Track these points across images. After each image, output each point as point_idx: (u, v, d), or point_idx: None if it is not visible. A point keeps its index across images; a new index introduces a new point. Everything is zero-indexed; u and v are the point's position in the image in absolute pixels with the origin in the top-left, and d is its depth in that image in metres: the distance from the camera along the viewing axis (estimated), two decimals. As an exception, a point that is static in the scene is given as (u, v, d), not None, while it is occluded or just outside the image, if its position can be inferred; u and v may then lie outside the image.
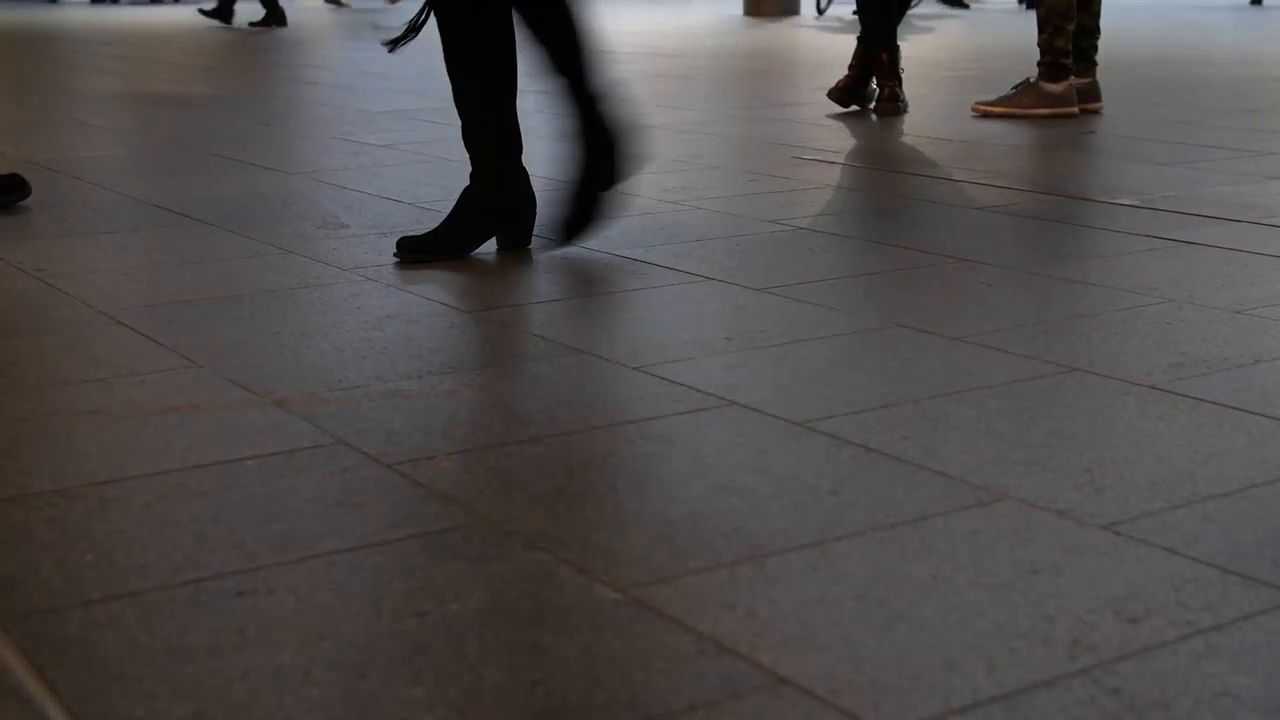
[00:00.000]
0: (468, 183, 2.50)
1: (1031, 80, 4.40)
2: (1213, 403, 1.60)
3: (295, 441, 1.50)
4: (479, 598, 1.13)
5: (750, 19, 11.25)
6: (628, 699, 0.97)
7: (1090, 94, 4.49)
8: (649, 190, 3.09)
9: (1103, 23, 4.67)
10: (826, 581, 1.16)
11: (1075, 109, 4.36)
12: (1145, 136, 3.92)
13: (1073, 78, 4.38)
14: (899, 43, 4.63)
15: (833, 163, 3.48)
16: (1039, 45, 4.35)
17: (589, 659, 1.03)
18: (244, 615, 1.11)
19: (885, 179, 3.22)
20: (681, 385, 1.69)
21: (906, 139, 3.93)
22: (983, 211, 2.80)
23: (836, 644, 1.05)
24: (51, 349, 1.87)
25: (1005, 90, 4.57)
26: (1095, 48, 4.51)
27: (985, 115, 4.41)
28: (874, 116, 4.46)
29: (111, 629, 1.09)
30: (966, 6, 12.39)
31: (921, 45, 7.61)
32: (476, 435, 1.52)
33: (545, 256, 2.40)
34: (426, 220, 2.75)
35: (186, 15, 12.01)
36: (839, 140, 3.90)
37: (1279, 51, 7.02)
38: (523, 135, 2.48)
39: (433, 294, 2.15)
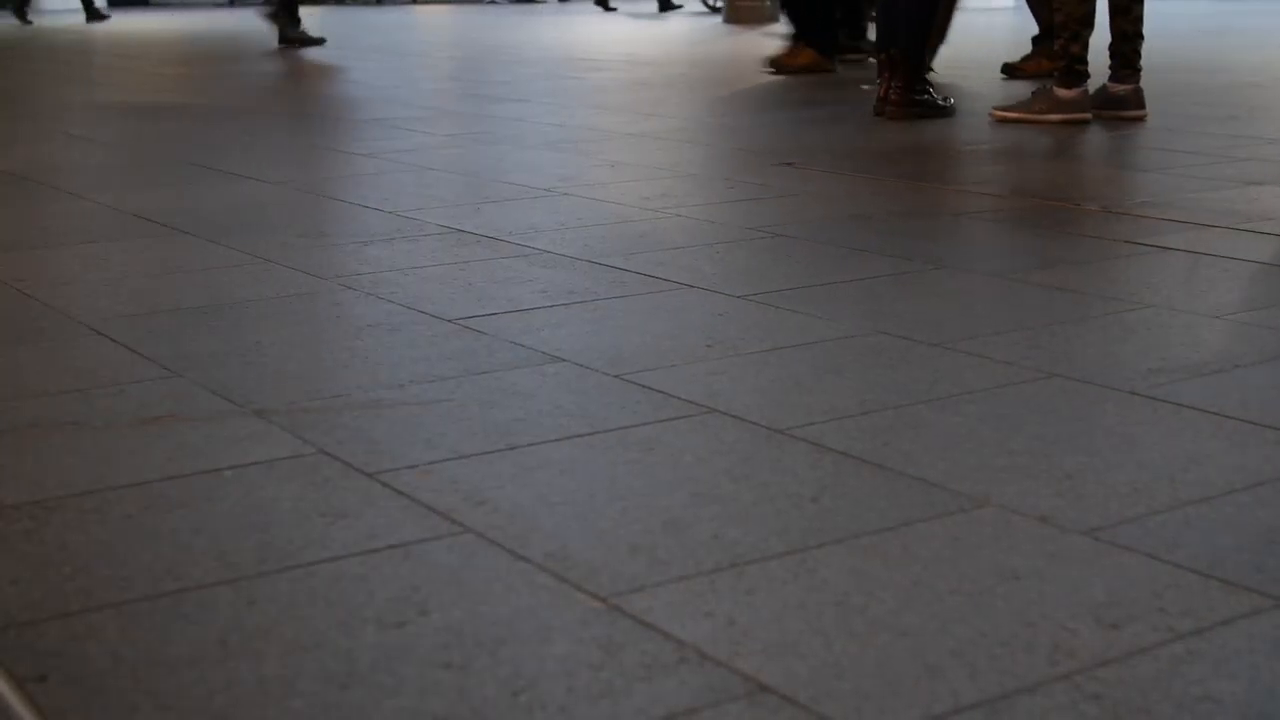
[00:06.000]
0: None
1: (1047, 86, 4.37)
2: (1193, 408, 1.61)
3: (276, 451, 1.50)
4: (461, 608, 1.13)
5: (730, 26, 11.27)
6: (609, 708, 0.97)
7: (1131, 101, 4.44)
8: (628, 198, 3.09)
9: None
10: (807, 588, 1.16)
11: (1088, 115, 4.30)
12: (1124, 143, 3.94)
13: (1094, 84, 4.36)
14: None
15: (812, 169, 3.49)
16: (1055, 51, 4.32)
17: (570, 668, 1.03)
18: (226, 626, 1.11)
19: (866, 185, 3.23)
20: (661, 393, 1.69)
21: (886, 145, 3.94)
22: (962, 217, 2.80)
23: (817, 651, 1.05)
24: (30, 360, 1.87)
25: (1026, 95, 4.53)
26: (1138, 54, 4.41)
27: (1003, 121, 4.39)
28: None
29: (92, 641, 1.08)
30: (614, 9, 12.59)
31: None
32: (457, 444, 1.52)
33: (522, 261, 2.40)
34: (408, 230, 2.75)
35: (170, 23, 11.99)
36: (818, 147, 3.91)
37: (1256, 59, 7.06)
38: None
39: (414, 303, 2.15)
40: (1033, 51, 6.04)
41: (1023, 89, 5.27)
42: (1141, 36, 4.40)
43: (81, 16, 13.55)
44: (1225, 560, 1.20)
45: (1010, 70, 6.04)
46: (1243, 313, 2.02)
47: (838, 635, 1.07)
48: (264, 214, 2.94)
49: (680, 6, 14.33)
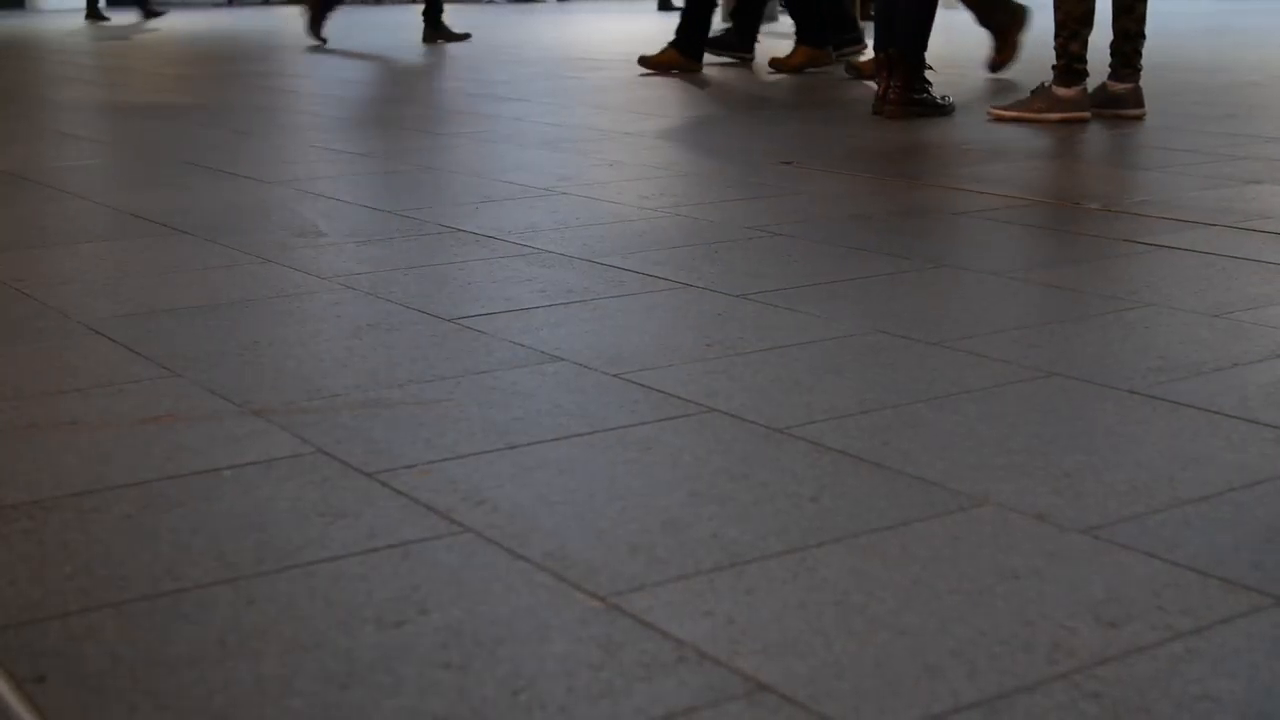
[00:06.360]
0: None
1: (1046, 85, 4.37)
2: (1192, 407, 1.61)
3: (275, 451, 1.50)
4: (460, 607, 1.13)
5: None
6: (608, 707, 0.97)
7: (1130, 100, 4.43)
8: (627, 197, 3.09)
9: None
10: (806, 588, 1.16)
11: (1088, 114, 4.31)
12: (1123, 142, 3.94)
13: (1104, 82, 4.35)
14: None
15: (811, 169, 3.49)
16: (1055, 49, 4.32)
17: (569, 668, 1.03)
18: (224, 626, 1.11)
19: (865, 184, 3.23)
20: (660, 392, 1.69)
21: (885, 144, 3.94)
22: (961, 217, 2.80)
23: (817, 650, 1.05)
24: (28, 359, 1.87)
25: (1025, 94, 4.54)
26: (1139, 53, 4.40)
27: (999, 120, 4.39)
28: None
29: (91, 641, 1.08)
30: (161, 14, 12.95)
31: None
32: (457, 444, 1.52)
33: (521, 261, 2.40)
34: (406, 229, 2.75)
35: (169, 23, 11.99)
36: (818, 146, 3.91)
37: (1255, 58, 7.06)
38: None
39: (412, 302, 2.15)
40: (995, 42, 6.04)
41: (1021, 89, 5.27)
42: (1144, 36, 4.39)
43: (82, 15, 13.57)
44: (1224, 559, 1.20)
45: (994, 67, 6.05)
46: (1241, 311, 2.02)
47: (837, 635, 1.07)
48: (261, 213, 2.94)
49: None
